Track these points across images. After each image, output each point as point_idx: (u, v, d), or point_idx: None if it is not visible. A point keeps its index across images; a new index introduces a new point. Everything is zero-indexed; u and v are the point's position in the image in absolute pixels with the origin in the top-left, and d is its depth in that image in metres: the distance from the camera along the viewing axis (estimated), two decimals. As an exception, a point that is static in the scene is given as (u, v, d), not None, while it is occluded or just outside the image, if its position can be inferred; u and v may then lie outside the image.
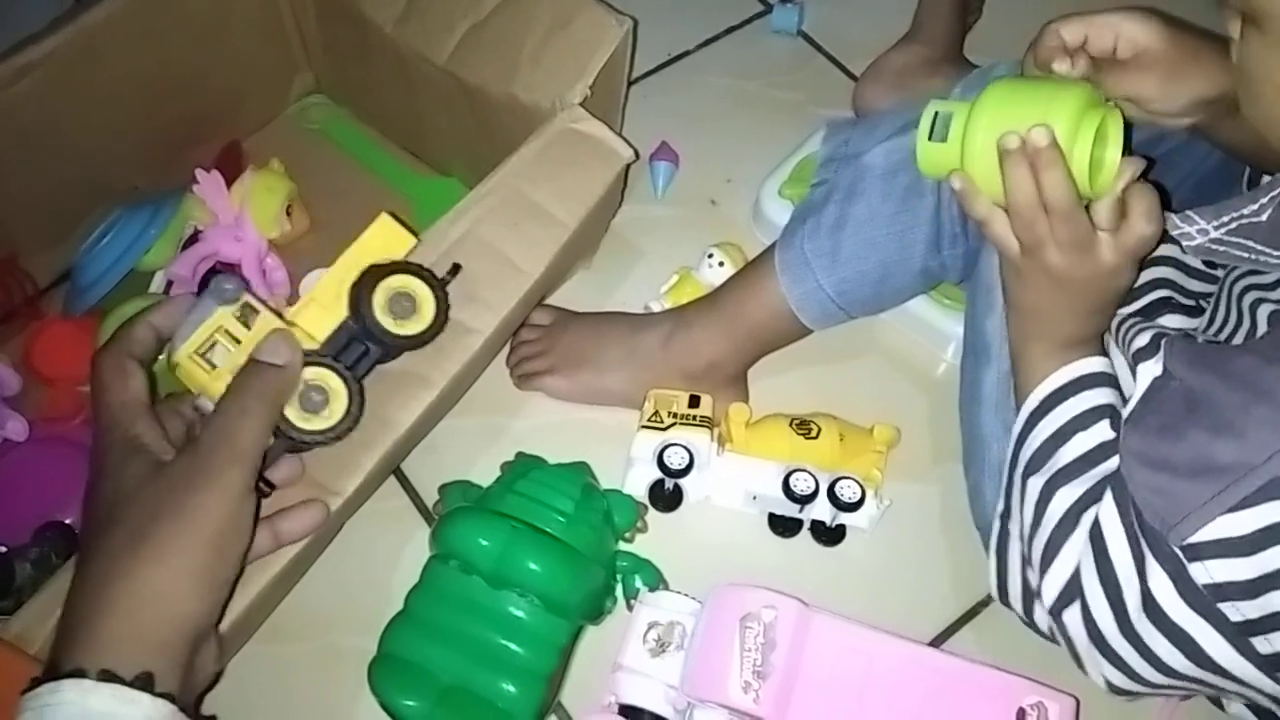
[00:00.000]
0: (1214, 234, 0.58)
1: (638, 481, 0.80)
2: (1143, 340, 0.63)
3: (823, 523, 0.79)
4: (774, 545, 0.80)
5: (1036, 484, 0.63)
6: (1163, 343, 0.59)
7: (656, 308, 0.89)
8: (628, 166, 0.76)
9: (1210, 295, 0.69)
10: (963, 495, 0.77)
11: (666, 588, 0.74)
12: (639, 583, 0.73)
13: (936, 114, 0.62)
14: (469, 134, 0.88)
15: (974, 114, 0.60)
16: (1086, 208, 0.59)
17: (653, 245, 0.96)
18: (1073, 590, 0.60)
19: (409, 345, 0.63)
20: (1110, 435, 0.61)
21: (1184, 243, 0.59)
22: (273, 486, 0.59)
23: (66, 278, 0.89)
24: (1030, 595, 0.66)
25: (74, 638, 0.48)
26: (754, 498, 0.79)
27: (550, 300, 0.90)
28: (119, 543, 0.50)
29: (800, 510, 0.79)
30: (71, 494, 0.66)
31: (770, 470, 0.78)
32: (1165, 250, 0.70)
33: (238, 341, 0.58)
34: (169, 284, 0.88)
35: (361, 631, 0.70)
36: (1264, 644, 0.52)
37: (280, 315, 0.60)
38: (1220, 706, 0.67)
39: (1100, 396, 0.63)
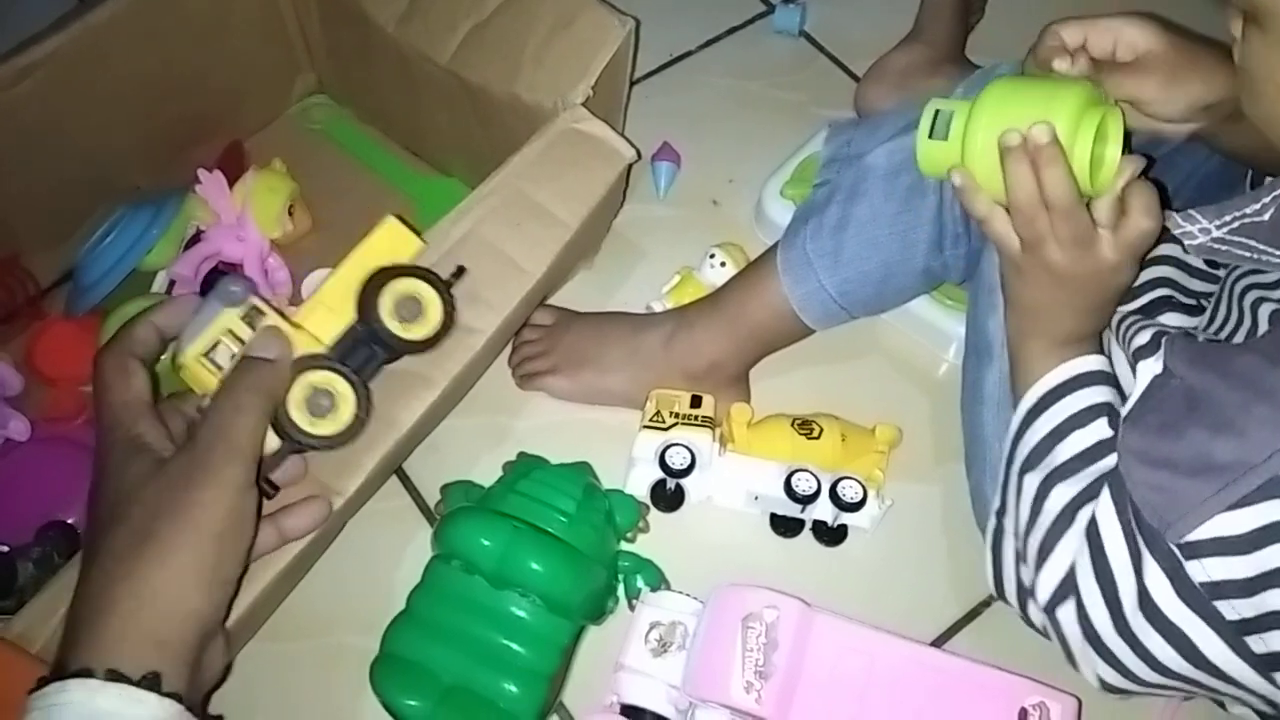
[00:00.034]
0: (1216, 233, 0.58)
1: (639, 481, 0.80)
2: (1143, 338, 0.63)
3: (824, 523, 0.79)
4: (776, 545, 0.80)
5: (1033, 481, 0.63)
6: (1163, 341, 0.59)
7: (658, 308, 0.89)
8: (630, 166, 0.76)
9: (1211, 295, 0.69)
10: (964, 495, 0.77)
11: (668, 588, 0.74)
12: (641, 583, 0.73)
13: (937, 112, 0.62)
14: (471, 134, 0.88)
15: (975, 112, 0.60)
16: (1086, 205, 0.59)
17: (654, 245, 0.96)
18: (1068, 587, 0.60)
19: (416, 349, 0.62)
20: (1108, 433, 0.61)
21: (1186, 242, 0.59)
22: (276, 488, 0.58)
23: (69, 277, 0.89)
24: (1025, 591, 0.66)
25: (80, 637, 0.48)
26: (756, 498, 0.79)
27: (552, 300, 0.90)
28: (122, 542, 0.50)
29: (802, 510, 0.79)
30: (74, 494, 0.66)
31: (772, 470, 0.78)
32: (1166, 249, 0.70)
33: (243, 344, 0.57)
34: (171, 284, 0.88)
35: (363, 631, 0.70)
36: (1259, 643, 0.52)
37: (287, 318, 0.59)
38: (1223, 707, 0.67)
39: (1098, 394, 0.63)
